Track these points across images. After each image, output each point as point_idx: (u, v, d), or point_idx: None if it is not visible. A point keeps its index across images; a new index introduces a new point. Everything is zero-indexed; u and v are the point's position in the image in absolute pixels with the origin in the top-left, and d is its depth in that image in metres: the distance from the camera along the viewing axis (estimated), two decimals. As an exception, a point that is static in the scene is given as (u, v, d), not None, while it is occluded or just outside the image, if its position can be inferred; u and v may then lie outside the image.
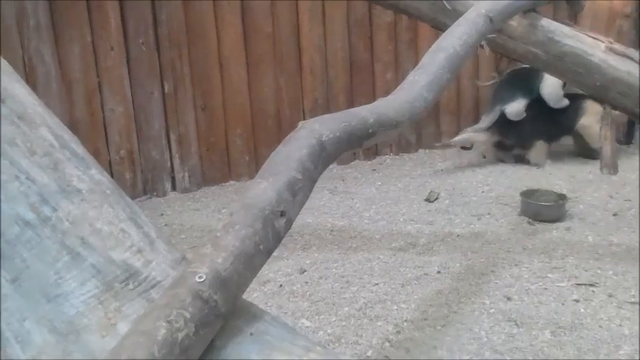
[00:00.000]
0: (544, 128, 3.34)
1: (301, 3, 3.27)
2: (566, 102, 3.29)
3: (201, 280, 0.73)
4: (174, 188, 3.13)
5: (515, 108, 3.28)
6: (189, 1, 2.99)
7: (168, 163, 3.09)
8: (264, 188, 0.95)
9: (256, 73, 3.24)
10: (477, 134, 3.46)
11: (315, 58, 3.38)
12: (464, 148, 3.65)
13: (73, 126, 2.79)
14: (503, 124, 3.34)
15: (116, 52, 2.87)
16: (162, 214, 2.81)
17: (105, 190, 0.87)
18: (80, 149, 0.90)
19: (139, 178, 3.04)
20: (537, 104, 3.30)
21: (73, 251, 0.80)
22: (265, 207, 0.90)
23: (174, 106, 3.05)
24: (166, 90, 3.02)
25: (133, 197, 2.94)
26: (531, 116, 3.31)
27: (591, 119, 3.22)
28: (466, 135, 3.48)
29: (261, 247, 0.85)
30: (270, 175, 0.99)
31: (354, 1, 3.23)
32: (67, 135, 0.90)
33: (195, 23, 3.03)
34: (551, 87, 3.21)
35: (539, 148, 3.35)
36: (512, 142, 3.40)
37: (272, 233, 0.89)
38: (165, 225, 2.67)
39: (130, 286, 0.80)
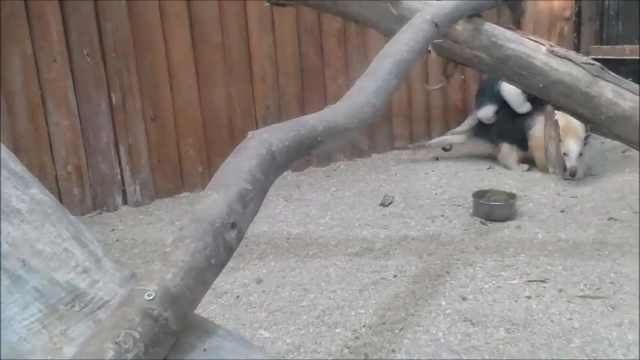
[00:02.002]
0: (508, 132, 3.42)
1: (250, 12, 3.26)
2: (527, 106, 3.34)
3: (151, 297, 0.71)
4: (125, 202, 3.06)
5: (485, 112, 3.44)
6: (136, 13, 2.94)
7: (119, 177, 3.02)
8: (214, 200, 0.93)
9: (207, 83, 3.20)
10: (454, 136, 3.67)
11: (265, 66, 3.37)
12: (444, 149, 3.80)
13: (15, 141, 2.70)
14: (478, 127, 3.54)
15: (59, 63, 2.79)
16: (113, 230, 2.73)
17: (46, 210, 0.83)
18: (19, 167, 0.86)
19: (88, 193, 2.95)
20: (506, 109, 3.40)
21: (13, 275, 0.76)
22: (216, 219, 0.89)
23: (123, 118, 2.99)
24: (114, 101, 2.95)
25: (82, 213, 2.89)
26: (499, 120, 3.44)
27: (540, 130, 3.29)
28: (444, 137, 3.73)
29: (213, 260, 0.84)
30: (221, 186, 0.97)
31: (303, 9, 3.24)
32: (4, 153, 0.86)
33: (142, 33, 2.98)
34: (508, 91, 3.29)
35: (505, 151, 3.44)
36: (484, 144, 3.55)
37: (223, 246, 0.88)
38: (117, 240, 2.60)
39: (76, 308, 0.77)
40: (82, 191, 2.93)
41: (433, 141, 3.80)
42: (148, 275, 0.75)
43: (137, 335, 0.67)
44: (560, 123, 3.04)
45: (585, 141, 3.07)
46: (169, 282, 0.74)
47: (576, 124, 2.96)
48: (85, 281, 0.80)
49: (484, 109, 3.44)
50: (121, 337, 0.66)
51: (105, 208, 2.99)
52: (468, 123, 3.62)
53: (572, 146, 3.03)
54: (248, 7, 3.25)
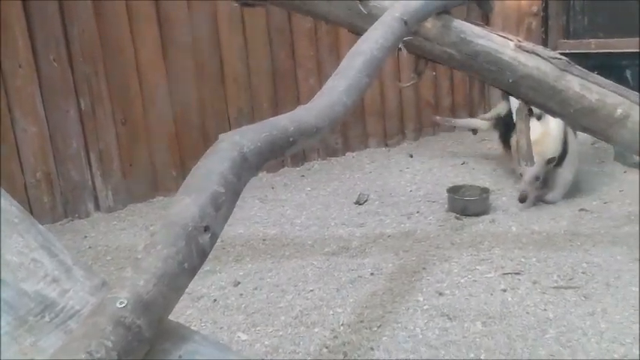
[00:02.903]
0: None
1: (220, 13, 3.24)
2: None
3: (123, 305, 0.70)
4: (97, 208, 3.01)
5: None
6: (103, 14, 2.89)
7: (90, 183, 2.97)
8: (186, 205, 0.92)
9: (178, 85, 3.17)
10: (480, 121, 3.58)
11: (237, 67, 3.35)
12: (472, 131, 3.67)
13: (-18, 150, 2.63)
14: (501, 119, 3.27)
15: (25, 69, 2.73)
16: (85, 237, 2.69)
17: (13, 219, 0.81)
18: (-17, 177, 0.84)
19: (59, 201, 2.90)
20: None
21: (-21, 287, 0.74)
22: (188, 223, 0.88)
23: (93, 123, 2.94)
24: (83, 107, 2.90)
25: (53, 221, 2.84)
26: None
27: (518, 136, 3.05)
28: (472, 119, 3.69)
29: (186, 265, 0.83)
30: (192, 190, 0.96)
31: (274, 9, 3.23)
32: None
33: (110, 37, 2.93)
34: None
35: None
36: (499, 136, 3.33)
37: (196, 250, 0.87)
38: (90, 247, 2.56)
39: (46, 319, 0.76)
40: (53, 199, 2.88)
41: (461, 121, 3.78)
42: (119, 283, 0.74)
43: (109, 344, 0.66)
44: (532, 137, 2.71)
45: (552, 164, 2.68)
46: (142, 289, 0.73)
47: (546, 143, 2.63)
48: (55, 291, 0.78)
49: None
50: (92, 347, 0.65)
51: (76, 215, 2.94)
52: (495, 111, 3.42)
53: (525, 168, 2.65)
54: (218, 8, 3.22)
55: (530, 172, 2.61)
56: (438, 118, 3.84)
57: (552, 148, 2.65)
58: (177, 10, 3.10)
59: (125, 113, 3.04)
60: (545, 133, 2.65)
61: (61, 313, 0.77)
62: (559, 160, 2.69)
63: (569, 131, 2.72)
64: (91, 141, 2.95)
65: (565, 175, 2.74)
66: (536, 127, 2.58)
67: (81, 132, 2.91)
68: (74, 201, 2.94)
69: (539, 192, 2.74)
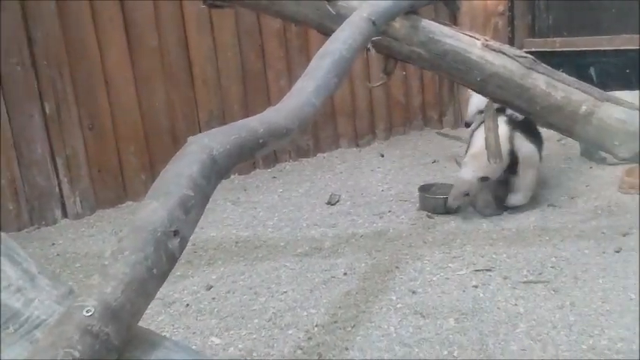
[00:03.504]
0: None
1: (187, 14, 3.21)
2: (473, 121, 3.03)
3: (90, 313, 0.69)
4: (65, 215, 2.94)
5: None
6: (67, 16, 2.83)
7: (57, 189, 2.91)
8: (154, 209, 0.91)
9: (146, 88, 3.13)
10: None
11: (206, 69, 3.32)
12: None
13: (-57, 157, 2.56)
14: None
15: (-13, 74, 2.67)
16: (53, 244, 2.63)
17: (-27, 227, 0.79)
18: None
19: (24, 208, 2.83)
20: None
21: (-61, 299, 0.72)
22: (157, 228, 0.87)
23: (59, 128, 2.88)
24: (48, 111, 2.84)
25: (18, 229, 2.77)
26: None
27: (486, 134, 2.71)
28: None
29: (155, 270, 0.82)
30: (161, 194, 0.95)
31: (242, 10, 3.21)
32: None
33: (74, 40, 2.88)
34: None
35: None
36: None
37: (166, 255, 0.85)
38: (58, 255, 2.50)
39: (10, 329, 0.74)
40: (18, 206, 2.81)
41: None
42: (86, 290, 0.72)
43: (77, 354, 0.65)
44: (471, 150, 2.58)
45: (487, 181, 2.50)
46: (109, 296, 0.71)
47: (482, 161, 2.41)
48: (20, 301, 0.76)
49: None
50: (59, 357, 0.63)
51: (43, 223, 2.87)
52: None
53: (457, 180, 2.55)
54: (185, 9, 3.19)
55: (460, 186, 2.52)
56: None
57: (486, 168, 2.45)
58: (144, 11, 3.06)
59: (92, 117, 2.98)
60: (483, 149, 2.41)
61: (26, 323, 0.75)
62: (511, 168, 2.56)
63: (520, 136, 2.58)
64: (57, 146, 2.89)
65: (523, 181, 2.61)
66: (477, 141, 2.53)
67: (46, 137, 2.85)
68: (40, 208, 2.87)
69: (503, 196, 2.63)
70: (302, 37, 3.61)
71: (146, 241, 0.82)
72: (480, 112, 2.67)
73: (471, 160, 2.53)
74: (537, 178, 2.73)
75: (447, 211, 2.61)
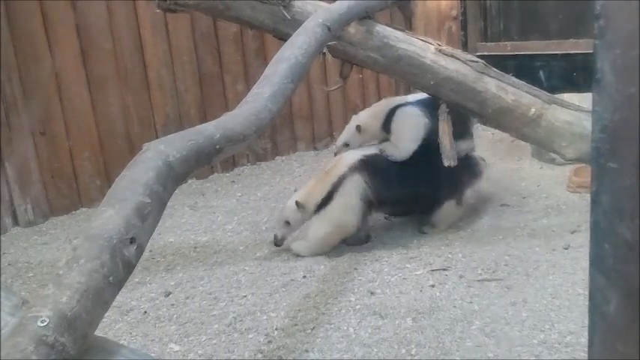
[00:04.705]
0: None
1: (141, 18, 3.17)
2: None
3: (44, 324, 0.68)
4: (16, 223, 2.86)
5: None
6: (15, 17, 2.76)
7: (7, 196, 2.82)
8: (109, 216, 0.91)
9: (100, 92, 3.07)
10: None
11: (162, 73, 3.29)
12: None
13: None
14: None
15: None
16: (4, 254, 2.55)
17: None
18: None
19: (-27, 216, 2.74)
20: None
21: None
22: (112, 236, 0.86)
23: (8, 134, 2.79)
24: (-3, 116, 2.76)
25: (-34, 238, 2.67)
26: None
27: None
28: None
29: (111, 278, 0.81)
30: (116, 201, 0.95)
31: (199, 14, 3.19)
32: None
33: (24, 42, 2.80)
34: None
35: None
36: None
37: (122, 263, 0.85)
38: (9, 264, 2.43)
39: (-39, 343, 0.72)
40: (-33, 214, 2.72)
41: None
42: (40, 300, 0.72)
43: (32, 365, 0.64)
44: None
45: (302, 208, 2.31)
46: (64, 305, 0.71)
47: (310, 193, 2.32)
48: (-30, 313, 0.75)
49: None
50: (13, 369, 0.63)
51: (-6, 231, 2.79)
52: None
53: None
54: (139, 13, 3.15)
55: (283, 214, 2.35)
56: None
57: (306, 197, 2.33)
58: (96, 14, 3.00)
59: (44, 123, 2.91)
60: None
61: (-22, 335, 0.73)
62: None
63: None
64: (7, 153, 2.80)
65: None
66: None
67: (-5, 143, 2.77)
68: (-10, 216, 2.79)
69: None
70: (258, 40, 3.61)
71: (102, 249, 0.81)
72: (346, 144, 2.54)
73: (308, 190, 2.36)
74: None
75: (275, 244, 2.36)
